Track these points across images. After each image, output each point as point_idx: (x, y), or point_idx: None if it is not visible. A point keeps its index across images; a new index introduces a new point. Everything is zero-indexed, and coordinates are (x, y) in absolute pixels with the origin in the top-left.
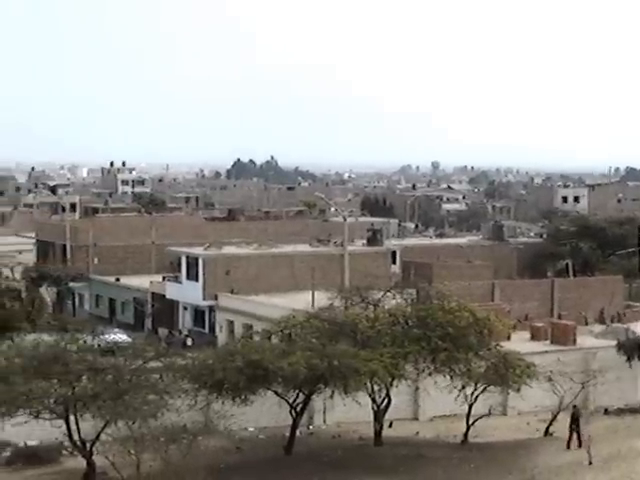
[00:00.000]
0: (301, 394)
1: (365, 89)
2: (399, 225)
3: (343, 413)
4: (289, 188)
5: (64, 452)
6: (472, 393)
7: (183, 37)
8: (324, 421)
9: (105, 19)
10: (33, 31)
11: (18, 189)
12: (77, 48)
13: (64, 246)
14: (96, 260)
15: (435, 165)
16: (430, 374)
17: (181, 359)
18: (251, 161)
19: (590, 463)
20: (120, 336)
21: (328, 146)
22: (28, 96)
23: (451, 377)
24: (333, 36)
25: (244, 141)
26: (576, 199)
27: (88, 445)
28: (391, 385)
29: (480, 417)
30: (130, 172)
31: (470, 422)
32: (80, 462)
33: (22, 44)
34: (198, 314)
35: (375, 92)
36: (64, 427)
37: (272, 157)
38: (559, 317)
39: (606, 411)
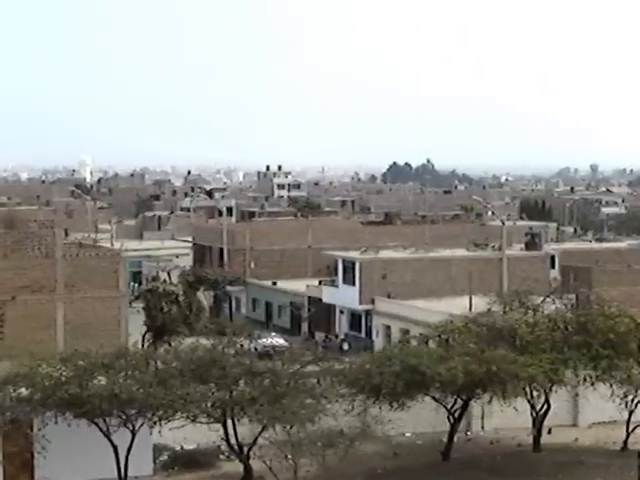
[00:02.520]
0: (459, 400)
1: (524, 93)
2: (557, 229)
3: (501, 419)
4: (445, 192)
5: (221, 456)
6: (632, 400)
7: (342, 40)
8: (482, 427)
9: (254, 19)
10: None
11: (175, 193)
12: (227, 50)
13: (221, 250)
14: (253, 264)
15: (594, 168)
16: (592, 383)
17: (338, 363)
18: (407, 164)
19: None
20: (277, 340)
21: (485, 149)
22: (186, 101)
23: (611, 384)
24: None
25: (400, 144)
26: None
27: (245, 449)
28: (550, 391)
29: None
30: (286, 176)
31: (630, 429)
32: (237, 466)
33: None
34: (355, 318)
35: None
36: (221, 431)
37: (428, 160)
38: None
39: None
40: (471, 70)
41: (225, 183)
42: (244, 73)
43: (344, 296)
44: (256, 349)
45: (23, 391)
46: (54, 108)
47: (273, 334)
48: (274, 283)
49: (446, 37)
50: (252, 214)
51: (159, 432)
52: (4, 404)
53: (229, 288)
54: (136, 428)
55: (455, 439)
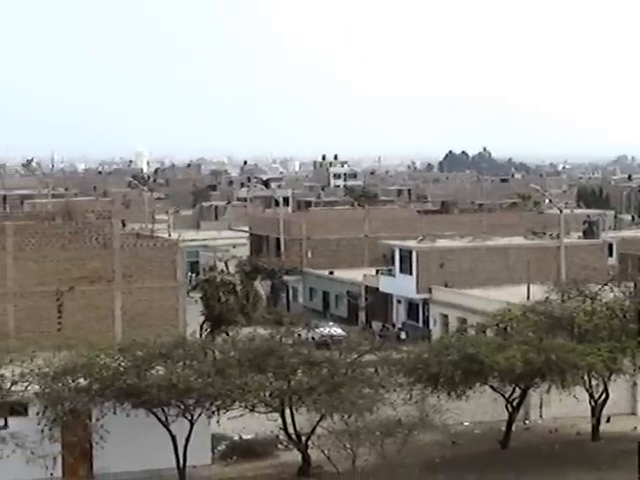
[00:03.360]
0: (517, 388)
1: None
2: (615, 217)
3: (559, 408)
4: (502, 180)
5: (279, 445)
6: None
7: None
8: (540, 416)
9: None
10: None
11: (231, 183)
12: (282, 39)
13: (277, 240)
14: (309, 253)
15: None
16: None
17: (396, 353)
18: (463, 153)
19: None
20: (335, 329)
21: (540, 137)
22: (240, 94)
23: None
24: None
25: (456, 133)
26: None
27: (303, 439)
28: (609, 380)
29: None
30: (342, 165)
31: None
32: (295, 455)
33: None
34: (412, 307)
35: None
36: (279, 420)
37: (484, 148)
38: None
39: None
40: (528, 59)
41: (281, 173)
42: (297, 63)
43: (401, 285)
44: (313, 338)
45: (82, 381)
46: (111, 100)
47: (330, 323)
48: (331, 272)
49: (496, 30)
50: (308, 204)
51: (217, 422)
52: (63, 394)
53: (286, 278)
54: (194, 418)
55: (513, 428)
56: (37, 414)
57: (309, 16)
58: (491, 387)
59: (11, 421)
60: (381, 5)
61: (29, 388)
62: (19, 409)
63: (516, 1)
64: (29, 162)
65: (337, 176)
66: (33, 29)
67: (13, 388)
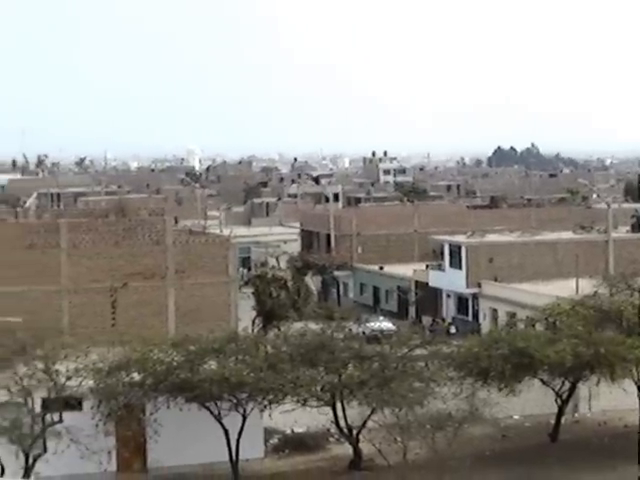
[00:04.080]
0: (567, 382)
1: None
2: None
3: (609, 401)
4: (551, 175)
5: (331, 439)
6: None
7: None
8: (589, 409)
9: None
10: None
11: (282, 180)
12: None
13: (328, 235)
14: (360, 249)
15: None
16: None
17: (446, 347)
18: (512, 148)
19: None
20: (385, 324)
21: (587, 132)
22: (291, 93)
23: None
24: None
25: (504, 128)
26: None
27: (355, 432)
28: None
29: None
30: (391, 161)
31: None
32: (347, 449)
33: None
34: (462, 302)
35: None
36: (331, 414)
37: (533, 144)
38: None
39: None
40: (577, 55)
41: (331, 169)
42: (340, 60)
43: (451, 280)
44: (364, 333)
45: (135, 376)
46: (163, 98)
47: (381, 318)
48: (381, 268)
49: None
50: (358, 200)
51: (269, 415)
52: (117, 389)
53: (336, 273)
54: (247, 412)
55: (563, 421)
56: (91, 409)
57: (348, 15)
58: (541, 380)
59: (66, 416)
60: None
61: (83, 383)
62: (74, 404)
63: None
64: (82, 160)
65: (387, 172)
66: (85, 26)
67: (68, 383)
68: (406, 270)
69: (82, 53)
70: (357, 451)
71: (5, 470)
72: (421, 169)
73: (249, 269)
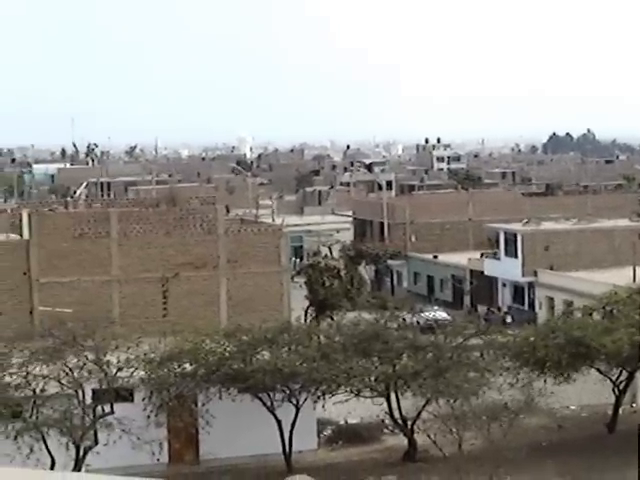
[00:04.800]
0: (624, 371)
1: None
2: None
3: None
4: (607, 161)
5: (385, 430)
6: None
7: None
8: None
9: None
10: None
11: (334, 168)
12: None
13: (381, 224)
14: (413, 238)
15: None
16: None
17: (501, 336)
18: (567, 135)
19: None
20: (439, 313)
21: None
22: (341, 79)
23: None
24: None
25: (560, 115)
26: None
27: (409, 423)
28: None
29: None
30: (445, 148)
31: None
32: (401, 440)
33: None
34: (517, 291)
35: None
36: (385, 405)
37: (589, 130)
38: None
39: None
40: (635, 41)
41: (384, 157)
42: (393, 45)
43: (506, 268)
44: (418, 323)
45: (187, 367)
46: (213, 86)
47: (435, 307)
48: (435, 256)
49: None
50: (412, 187)
51: (323, 406)
52: (169, 380)
53: (390, 262)
54: (300, 403)
55: (620, 411)
56: (143, 400)
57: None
58: (597, 370)
59: (117, 407)
60: None
61: (135, 374)
62: (125, 395)
63: None
64: (133, 149)
65: (440, 159)
66: (136, 14)
67: (119, 374)
68: (461, 259)
69: (132, 41)
70: (412, 442)
71: (55, 462)
72: (475, 156)
73: (301, 258)
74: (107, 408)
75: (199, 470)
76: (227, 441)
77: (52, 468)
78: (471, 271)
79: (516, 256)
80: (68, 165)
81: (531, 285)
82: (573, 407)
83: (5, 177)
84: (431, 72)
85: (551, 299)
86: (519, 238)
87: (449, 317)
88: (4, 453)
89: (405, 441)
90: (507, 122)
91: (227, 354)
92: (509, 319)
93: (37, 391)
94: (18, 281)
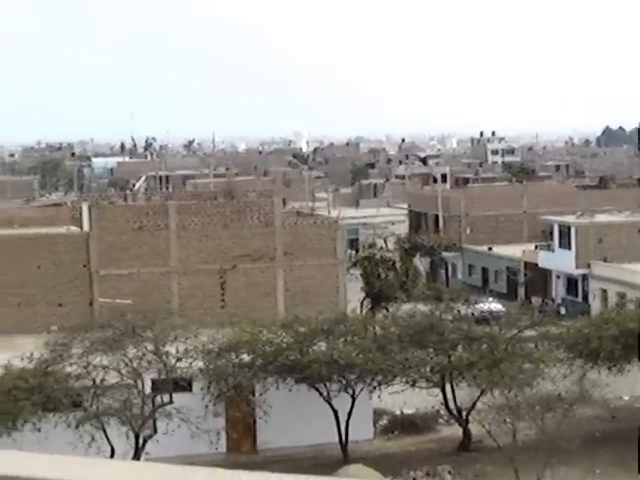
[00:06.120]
0: None
1: None
2: None
3: None
4: None
5: (440, 420)
6: None
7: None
8: None
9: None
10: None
11: (389, 161)
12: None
13: (436, 216)
14: (468, 230)
15: None
16: None
17: (555, 328)
18: (621, 128)
19: None
20: (494, 305)
21: None
22: (395, 72)
23: None
24: None
25: (613, 108)
26: None
27: (464, 413)
28: None
29: None
30: (499, 141)
31: None
32: (456, 430)
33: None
34: (571, 283)
35: None
36: (440, 395)
37: None
38: None
39: None
40: None
41: (439, 150)
42: (450, 38)
43: (560, 260)
44: (473, 314)
45: (245, 357)
46: (269, 80)
47: (490, 299)
48: (490, 249)
49: None
50: (466, 180)
51: (379, 397)
52: (227, 370)
53: (445, 254)
54: (356, 393)
55: None
56: (201, 390)
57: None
58: None
59: (176, 397)
60: None
61: (193, 364)
62: (184, 385)
63: None
64: (191, 143)
65: (495, 152)
66: (192, 11)
67: (178, 364)
68: (515, 251)
69: (188, 37)
70: (466, 432)
71: (115, 451)
72: (529, 149)
73: (357, 251)
74: (166, 398)
75: (256, 459)
76: (284, 431)
77: (112, 456)
78: (525, 263)
79: (570, 248)
80: (127, 159)
81: (585, 277)
82: (626, 398)
83: (65, 170)
84: (487, 66)
85: (604, 291)
86: (573, 230)
87: (503, 309)
88: (66, 442)
89: (460, 431)
90: (561, 116)
91: (284, 345)
92: (563, 311)
93: (97, 381)
94: (78, 273)
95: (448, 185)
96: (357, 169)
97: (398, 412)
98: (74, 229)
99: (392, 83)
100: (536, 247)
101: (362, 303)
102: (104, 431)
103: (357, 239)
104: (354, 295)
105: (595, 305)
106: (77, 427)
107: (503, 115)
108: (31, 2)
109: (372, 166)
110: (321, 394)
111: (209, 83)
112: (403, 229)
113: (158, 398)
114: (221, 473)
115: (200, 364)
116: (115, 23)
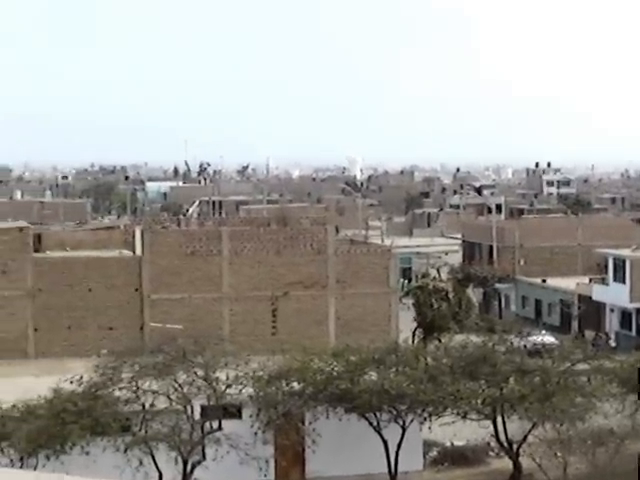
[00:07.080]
0: None
1: None
2: None
3: None
4: None
5: (490, 453)
6: None
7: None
8: None
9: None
10: None
11: (444, 190)
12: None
13: (490, 247)
14: (522, 261)
15: None
16: None
17: (609, 362)
18: None
19: None
20: (547, 338)
21: None
22: (453, 104)
23: None
24: None
25: None
26: None
27: (515, 446)
28: None
29: None
30: (555, 173)
31: None
32: (506, 463)
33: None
34: (625, 316)
35: None
36: (491, 428)
37: None
38: None
39: None
40: None
41: (494, 180)
42: (514, 66)
43: (614, 294)
44: (526, 347)
45: (295, 385)
46: (325, 108)
47: (543, 332)
48: (544, 281)
49: None
50: (521, 211)
51: (429, 428)
52: (276, 398)
53: (498, 285)
54: (406, 423)
55: None
56: (250, 417)
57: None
58: None
59: (225, 423)
60: None
61: (243, 391)
62: (233, 411)
63: None
64: (244, 168)
65: (550, 183)
66: (256, 29)
67: (228, 391)
68: (569, 283)
69: (247, 63)
70: (517, 465)
71: (163, 476)
72: (585, 181)
73: (410, 280)
74: (215, 424)
75: None
76: (333, 460)
77: None
78: (579, 296)
79: (624, 282)
80: (180, 183)
81: (639, 311)
82: None
83: (119, 194)
84: (544, 96)
85: None
86: (628, 264)
87: (556, 341)
88: (114, 466)
89: (510, 464)
90: (617, 148)
91: (335, 373)
92: (613, 343)
93: (146, 406)
94: (129, 297)
95: (503, 216)
96: (411, 198)
97: (448, 444)
98: (126, 253)
99: (447, 113)
100: (590, 280)
101: (414, 333)
102: (152, 456)
103: (410, 268)
104: (406, 325)
105: None
106: (125, 451)
107: (559, 146)
108: (93, 34)
109: (426, 195)
110: (371, 424)
111: (263, 108)
112: (456, 259)
113: (207, 424)
114: None
115: (250, 391)
116: (168, 51)
